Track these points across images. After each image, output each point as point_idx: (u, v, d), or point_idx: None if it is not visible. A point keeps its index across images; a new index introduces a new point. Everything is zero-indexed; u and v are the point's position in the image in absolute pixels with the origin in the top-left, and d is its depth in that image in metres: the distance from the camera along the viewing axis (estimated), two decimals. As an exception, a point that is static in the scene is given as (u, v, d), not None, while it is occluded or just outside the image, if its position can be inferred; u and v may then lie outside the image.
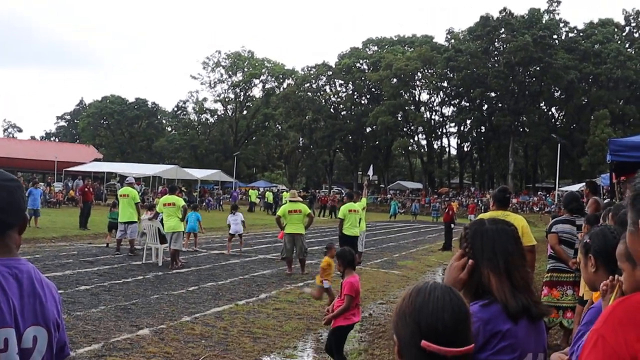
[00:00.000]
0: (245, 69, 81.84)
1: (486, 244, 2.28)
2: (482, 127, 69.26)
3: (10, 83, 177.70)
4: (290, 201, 14.93)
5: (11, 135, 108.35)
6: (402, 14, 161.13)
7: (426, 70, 68.50)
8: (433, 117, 73.49)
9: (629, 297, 1.56)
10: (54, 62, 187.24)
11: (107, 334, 7.71)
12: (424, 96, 73.21)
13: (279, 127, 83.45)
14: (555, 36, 63.67)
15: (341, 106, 76.55)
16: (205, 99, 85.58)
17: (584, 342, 1.55)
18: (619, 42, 62.92)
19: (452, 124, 72.56)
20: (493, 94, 65.14)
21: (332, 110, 75.64)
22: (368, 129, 72.18)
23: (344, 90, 76.40)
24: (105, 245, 17.72)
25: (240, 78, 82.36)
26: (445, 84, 69.15)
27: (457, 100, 69.70)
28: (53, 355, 2.05)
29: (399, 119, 69.13)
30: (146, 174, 50.51)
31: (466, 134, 70.83)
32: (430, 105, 73.42)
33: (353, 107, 75.16)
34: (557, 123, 67.89)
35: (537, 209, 52.47)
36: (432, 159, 73.02)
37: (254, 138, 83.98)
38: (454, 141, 75.34)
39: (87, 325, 8.05)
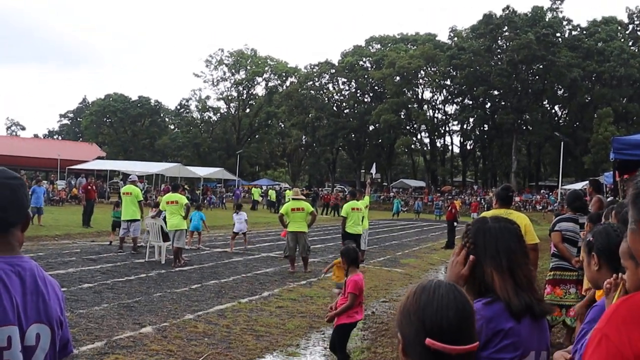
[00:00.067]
0: (248, 67, 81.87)
1: (489, 242, 2.28)
2: (485, 125, 69.23)
3: (14, 81, 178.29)
4: (293, 199, 14.93)
5: (14, 133, 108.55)
6: (405, 12, 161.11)
7: (429, 68, 68.48)
8: (436, 115, 73.57)
9: (632, 295, 1.55)
10: (57, 60, 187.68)
11: (110, 331, 7.72)
12: (427, 94, 73.41)
13: (282, 125, 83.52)
14: (558, 34, 63.61)
15: (344, 104, 76.57)
16: (208, 97, 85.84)
17: (587, 340, 1.54)
18: (622, 40, 62.85)
19: (455, 122, 72.62)
20: (496, 92, 65.10)
21: (335, 108, 75.65)
22: (371, 127, 72.20)
23: (347, 88, 76.42)
24: (108, 243, 17.74)
25: (243, 76, 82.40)
26: (448, 82, 69.14)
27: (460, 98, 69.70)
28: (56, 352, 2.05)
29: (402, 117, 69.13)
30: (149, 172, 50.52)
31: (469, 132, 70.81)
32: (433, 103, 73.41)
33: (356, 105, 75.18)
34: (560, 121, 67.86)
35: (540, 207, 52.42)
36: (435, 157, 73.00)
37: (256, 136, 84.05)
38: (456, 139, 75.50)
39: (90, 323, 8.07)
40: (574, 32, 65.43)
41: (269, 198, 49.05)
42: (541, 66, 61.01)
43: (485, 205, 46.04)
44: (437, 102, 73.29)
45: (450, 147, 77.76)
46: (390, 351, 7.54)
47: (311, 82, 75.98)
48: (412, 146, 73.15)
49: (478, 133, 70.70)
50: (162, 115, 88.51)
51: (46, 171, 59.60)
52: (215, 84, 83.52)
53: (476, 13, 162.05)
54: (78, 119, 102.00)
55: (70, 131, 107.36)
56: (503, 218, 2.43)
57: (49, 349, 2.00)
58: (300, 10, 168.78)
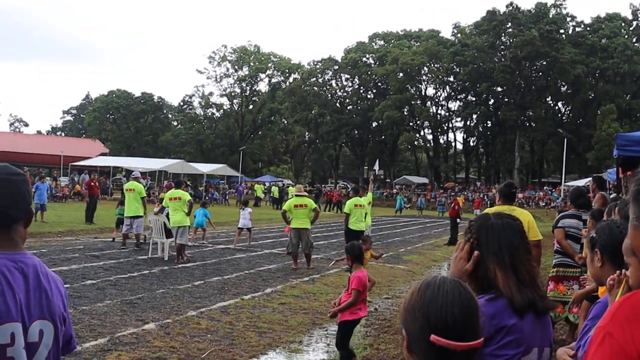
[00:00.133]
0: (252, 64, 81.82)
1: (492, 238, 2.28)
2: (488, 122, 69.09)
3: (17, 78, 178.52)
4: (296, 196, 14.93)
5: (17, 129, 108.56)
6: (408, 9, 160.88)
7: (432, 65, 68.32)
8: (439, 111, 73.44)
9: (635, 292, 1.54)
10: (60, 57, 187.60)
11: (113, 328, 7.73)
12: (430, 91, 73.27)
13: (285, 122, 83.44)
14: (562, 31, 63.46)
15: (347, 101, 76.49)
16: (211, 94, 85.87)
17: (590, 337, 1.54)
18: (626, 36, 62.67)
19: (458, 119, 72.53)
20: (499, 89, 64.96)
21: (338, 104, 75.58)
22: (374, 124, 72.09)
23: (350, 84, 76.33)
24: (111, 239, 17.77)
25: (246, 72, 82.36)
26: (451, 79, 69.01)
27: (463, 94, 69.58)
28: (59, 349, 2.05)
29: (405, 113, 69.01)
30: (152, 169, 50.57)
31: (472, 129, 70.66)
32: (437, 100, 73.32)
33: (359, 101, 75.10)
34: (564, 118, 67.72)
35: (543, 204, 52.32)
36: (438, 153, 72.90)
37: (259, 132, 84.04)
38: (460, 136, 75.40)
39: (93, 319, 8.08)
40: (577, 29, 65.27)
41: (271, 194, 49.07)
42: (545, 63, 60.85)
43: (488, 202, 45.99)
44: (441, 99, 73.26)
45: (453, 144, 77.73)
46: (393, 348, 7.54)
47: (314, 79, 75.88)
48: (415, 143, 73.06)
49: (481, 129, 70.59)
50: (165, 111, 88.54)
51: (49, 168, 59.58)
52: (219, 80, 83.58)
53: (480, 9, 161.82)
54: (81, 116, 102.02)
55: (74, 127, 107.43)
56: (506, 214, 2.42)
57: (52, 346, 2.01)
58: (304, 7, 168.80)
